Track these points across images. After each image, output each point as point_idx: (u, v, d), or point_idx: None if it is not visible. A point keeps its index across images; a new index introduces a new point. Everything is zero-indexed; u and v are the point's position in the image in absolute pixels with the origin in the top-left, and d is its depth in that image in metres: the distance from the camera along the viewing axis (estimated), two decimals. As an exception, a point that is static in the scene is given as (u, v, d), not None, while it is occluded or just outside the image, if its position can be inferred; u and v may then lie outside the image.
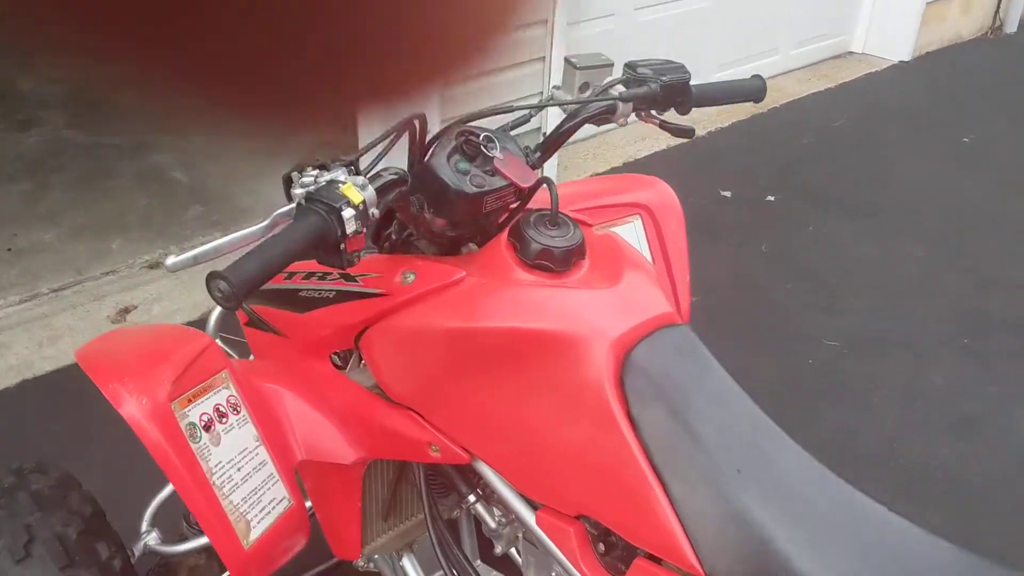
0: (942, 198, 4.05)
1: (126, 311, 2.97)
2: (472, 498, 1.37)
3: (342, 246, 1.05)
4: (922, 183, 4.17)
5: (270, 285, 1.42)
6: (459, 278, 1.20)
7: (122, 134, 4.15)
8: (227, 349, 1.80)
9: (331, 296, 1.31)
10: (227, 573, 1.29)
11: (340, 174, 1.12)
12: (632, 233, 1.66)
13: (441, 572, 1.48)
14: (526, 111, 1.37)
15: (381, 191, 1.13)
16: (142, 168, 3.91)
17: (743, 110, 4.84)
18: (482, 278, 1.20)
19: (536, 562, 1.35)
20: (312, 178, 1.11)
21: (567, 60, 1.39)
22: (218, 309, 1.86)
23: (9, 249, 3.32)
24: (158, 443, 1.15)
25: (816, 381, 2.85)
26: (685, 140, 1.55)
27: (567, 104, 1.38)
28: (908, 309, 3.23)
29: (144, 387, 1.17)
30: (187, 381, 1.22)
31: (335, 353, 1.48)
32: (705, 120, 4.73)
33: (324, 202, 1.04)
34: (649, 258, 1.65)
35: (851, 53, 5.84)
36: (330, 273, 1.34)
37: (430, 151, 1.22)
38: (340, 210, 1.03)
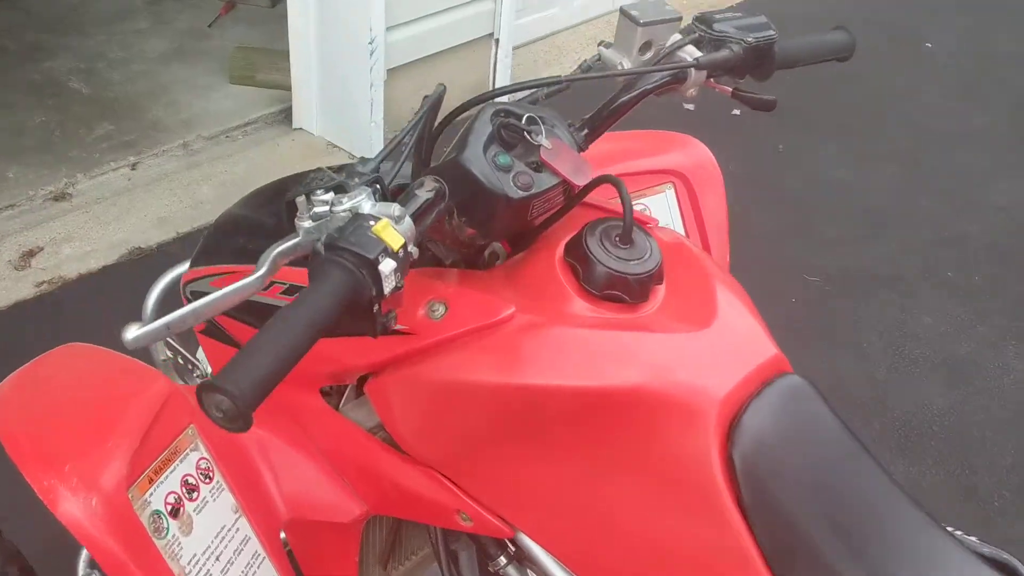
0: (909, 111, 3.86)
1: (30, 254, 2.57)
2: (503, 560, 1.13)
3: (376, 307, 0.75)
4: (886, 95, 3.96)
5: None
6: (506, 316, 0.92)
7: (8, 35, 3.61)
8: (179, 356, 1.49)
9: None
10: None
11: (364, 199, 0.80)
12: (663, 205, 1.39)
13: None
14: (565, 82, 1.07)
15: (418, 217, 0.83)
16: (34, 77, 3.40)
17: (708, 4, 4.52)
18: (536, 314, 0.92)
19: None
20: (326, 205, 0.80)
21: (624, 11, 1.09)
22: (156, 291, 1.53)
23: None
24: (115, 555, 0.86)
25: (801, 324, 2.68)
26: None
27: (623, 75, 1.08)
28: (887, 238, 3.07)
29: (90, 476, 0.87)
30: (146, 454, 0.93)
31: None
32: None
33: (354, 252, 0.74)
34: (683, 233, 1.40)
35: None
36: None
37: (461, 140, 0.92)
38: (376, 263, 0.73)
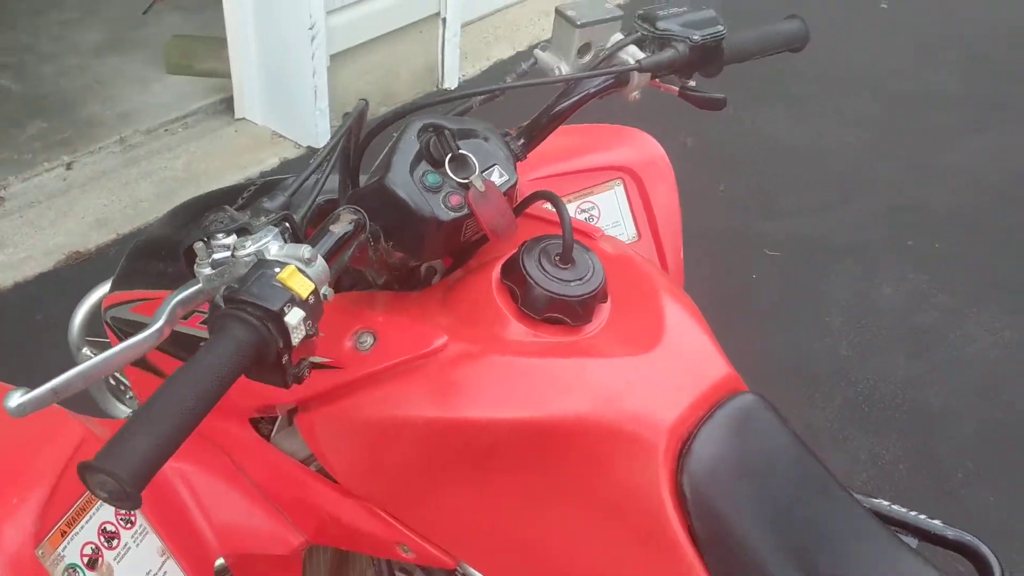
0: (865, 74, 3.82)
1: (-38, 264, 2.46)
2: (452, 587, 1.08)
3: (285, 359, 0.69)
4: (843, 58, 3.92)
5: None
6: (439, 345, 0.86)
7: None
8: (111, 377, 1.42)
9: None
10: None
11: (271, 242, 0.74)
12: (613, 202, 1.34)
13: None
14: (497, 91, 1.00)
15: (332, 256, 0.76)
16: (-39, 73, 3.26)
17: (649, -23, 4.45)
18: (470, 342, 0.86)
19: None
20: (227, 250, 0.73)
21: (559, 12, 1.01)
22: (81, 312, 1.45)
23: None
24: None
25: (762, 299, 2.64)
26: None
27: (561, 81, 1.01)
28: (847, 207, 3.04)
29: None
30: (57, 506, 0.86)
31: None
32: (610, -10, 4.32)
33: (256, 305, 0.67)
34: (634, 231, 1.34)
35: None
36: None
37: (386, 160, 0.85)
38: (282, 315, 0.67)
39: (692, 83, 1.11)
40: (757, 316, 2.57)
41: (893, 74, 3.83)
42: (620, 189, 1.34)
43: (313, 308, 0.69)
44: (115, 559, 0.90)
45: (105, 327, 1.23)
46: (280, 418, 1.06)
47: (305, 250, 0.72)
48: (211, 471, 1.04)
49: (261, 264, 0.70)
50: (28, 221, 2.63)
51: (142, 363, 1.12)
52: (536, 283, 0.86)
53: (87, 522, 0.89)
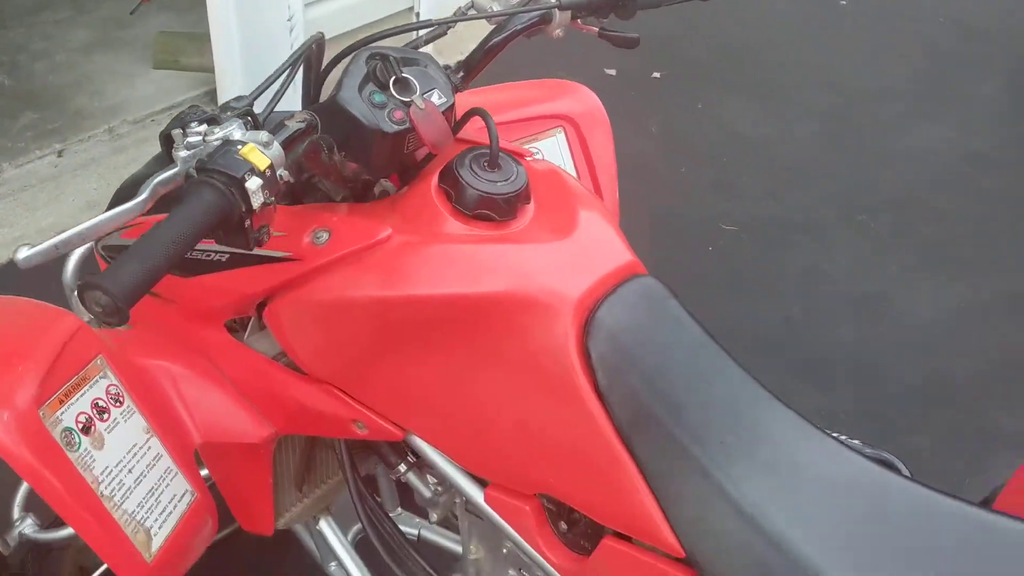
0: (826, 69, 3.99)
1: (-43, 243, 2.59)
2: (403, 468, 1.22)
3: (247, 223, 0.84)
4: (804, 53, 4.10)
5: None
6: (384, 237, 1.01)
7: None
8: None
9: (223, 260, 1.10)
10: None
11: (235, 129, 0.89)
12: (555, 148, 1.48)
13: (359, 526, 1.35)
14: (441, 25, 1.16)
15: (288, 145, 0.91)
16: (-45, 70, 3.40)
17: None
18: (411, 235, 1.01)
19: (480, 533, 1.23)
20: (199, 136, 0.88)
21: (491, -43, 1.17)
22: (76, 256, 1.59)
23: None
24: (28, 463, 0.94)
25: (717, 269, 2.80)
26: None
27: (493, 16, 1.17)
28: (803, 189, 3.20)
29: (2, 396, 0.94)
30: (55, 379, 1.00)
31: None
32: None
33: (221, 172, 0.82)
34: (574, 174, 1.50)
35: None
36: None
37: (339, 82, 1.00)
38: (243, 180, 0.82)
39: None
40: (712, 285, 2.72)
41: (851, 71, 3.99)
42: (561, 136, 1.49)
43: (270, 180, 0.84)
44: (106, 430, 1.04)
45: (97, 258, 1.37)
46: (252, 321, 1.20)
47: (263, 135, 0.87)
48: (192, 369, 1.18)
49: (227, 143, 0.85)
50: (22, 203, 2.76)
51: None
52: (467, 184, 1.00)
53: (81, 396, 1.02)
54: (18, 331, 1.07)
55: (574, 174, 1.49)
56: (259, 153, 0.84)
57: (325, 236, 1.03)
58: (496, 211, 1.01)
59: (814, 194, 3.17)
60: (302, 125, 0.94)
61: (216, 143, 0.87)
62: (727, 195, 3.13)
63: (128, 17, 3.76)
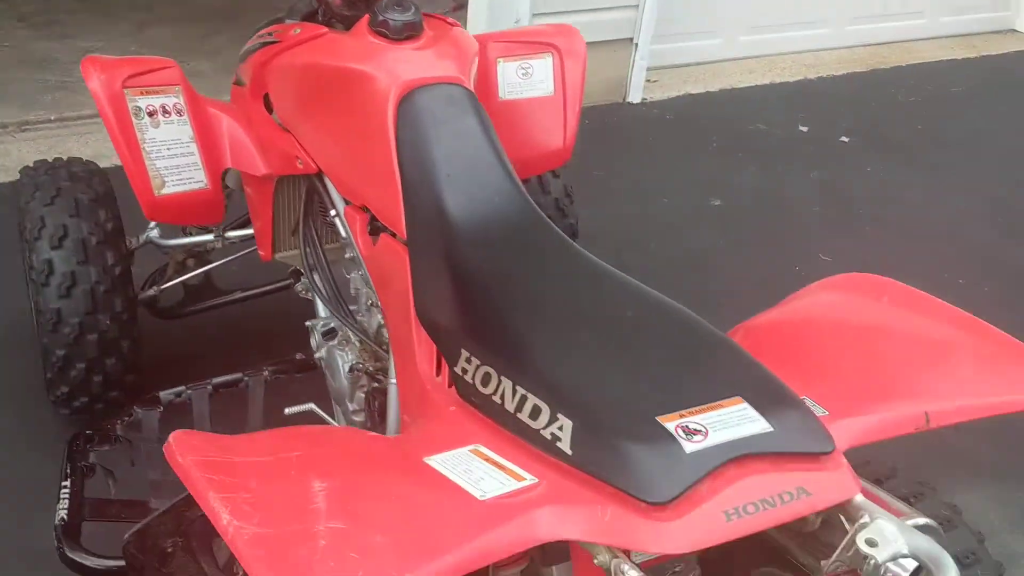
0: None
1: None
2: (332, 212, 1.84)
3: None
4: (1002, 154, 4.13)
5: (252, 44, 1.93)
6: (324, 32, 1.67)
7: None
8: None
9: (259, 46, 1.82)
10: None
11: None
12: (545, 67, 2.05)
13: None
14: None
15: None
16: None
17: (863, 62, 4.91)
18: (339, 33, 1.66)
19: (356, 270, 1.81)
20: None
21: None
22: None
23: None
24: (107, 111, 1.71)
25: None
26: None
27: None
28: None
29: (107, 72, 1.73)
30: (142, 80, 1.77)
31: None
32: (821, 66, 4.85)
33: None
34: (552, 88, 2.05)
35: (1015, 31, 5.65)
36: (271, 34, 1.84)
37: None
38: None
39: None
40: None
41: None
42: (550, 59, 2.05)
43: None
44: (164, 122, 1.79)
45: None
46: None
47: None
48: (238, 121, 1.90)
49: None
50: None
51: (239, 81, 2.03)
52: (378, 11, 1.63)
53: (156, 98, 1.78)
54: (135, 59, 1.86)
55: (552, 88, 2.05)
56: None
57: (297, 31, 1.71)
58: (389, 31, 1.60)
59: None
60: None
61: None
62: (850, 237, 3.37)
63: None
